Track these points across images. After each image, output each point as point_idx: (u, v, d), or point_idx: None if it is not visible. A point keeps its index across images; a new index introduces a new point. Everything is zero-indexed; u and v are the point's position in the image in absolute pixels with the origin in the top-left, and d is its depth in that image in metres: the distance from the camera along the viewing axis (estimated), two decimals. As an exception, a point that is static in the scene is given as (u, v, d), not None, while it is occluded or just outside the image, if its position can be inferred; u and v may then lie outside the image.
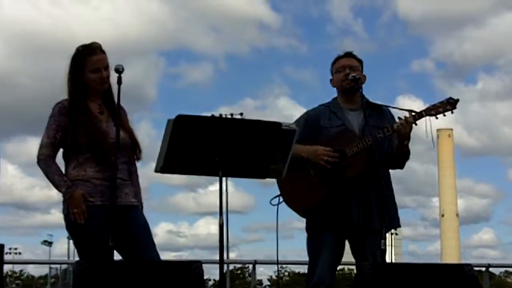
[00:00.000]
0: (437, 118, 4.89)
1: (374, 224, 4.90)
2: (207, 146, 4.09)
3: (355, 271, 4.35)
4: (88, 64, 4.68)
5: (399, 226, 5.15)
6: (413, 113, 4.90)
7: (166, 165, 4.09)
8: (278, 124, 4.24)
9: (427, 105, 4.96)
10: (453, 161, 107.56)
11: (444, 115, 4.89)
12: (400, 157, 5.15)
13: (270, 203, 5.15)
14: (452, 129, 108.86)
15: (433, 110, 4.89)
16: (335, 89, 5.33)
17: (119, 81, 4.54)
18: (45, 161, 4.62)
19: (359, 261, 4.99)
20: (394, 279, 4.09)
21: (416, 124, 4.90)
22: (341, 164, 4.98)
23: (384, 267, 4.27)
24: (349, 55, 5.30)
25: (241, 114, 53.95)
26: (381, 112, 5.24)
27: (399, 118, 4.96)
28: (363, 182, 4.96)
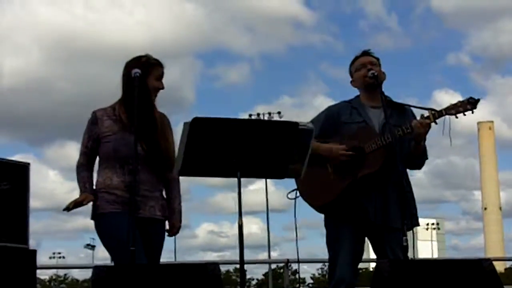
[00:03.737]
0: (457, 117, 4.86)
1: (392, 221, 4.90)
2: (224, 148, 4.10)
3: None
4: (154, 72, 4.83)
5: (418, 225, 5.13)
6: (432, 112, 4.89)
7: (184, 168, 4.11)
8: (295, 124, 4.24)
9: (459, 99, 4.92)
10: (495, 153, 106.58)
11: (465, 115, 4.85)
12: (417, 158, 5.13)
13: (287, 197, 5.16)
14: (493, 121, 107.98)
15: (453, 109, 4.86)
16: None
17: (137, 84, 4.63)
18: (77, 169, 4.87)
19: (379, 258, 4.99)
20: (413, 276, 4.07)
21: (436, 123, 4.88)
22: (359, 161, 4.98)
23: (402, 264, 4.25)
24: (366, 53, 5.31)
25: (279, 113, 54.06)
26: (403, 112, 5.22)
27: (422, 116, 4.93)
28: (381, 180, 4.96)
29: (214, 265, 3.99)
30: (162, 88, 4.86)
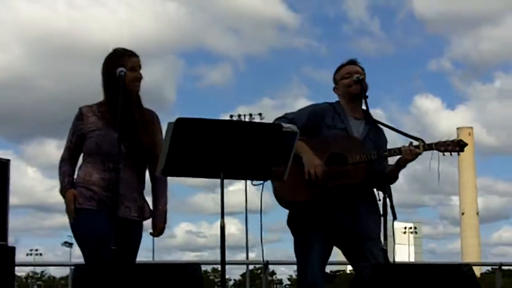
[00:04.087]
0: (444, 155, 4.93)
1: (368, 232, 4.98)
2: (208, 148, 4.10)
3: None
4: (127, 63, 4.76)
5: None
6: (423, 143, 4.91)
7: (167, 169, 4.12)
8: (279, 126, 4.25)
9: (437, 140, 4.98)
10: (473, 159, 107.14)
11: (451, 155, 4.95)
12: (389, 180, 5.03)
13: (252, 184, 4.96)
14: (472, 128, 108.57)
15: (443, 147, 4.92)
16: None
17: (122, 84, 4.64)
18: (60, 163, 4.86)
19: (354, 264, 4.99)
20: (393, 280, 4.10)
21: (421, 154, 4.92)
22: (339, 169, 4.97)
23: (383, 268, 4.28)
24: (353, 62, 5.29)
25: (260, 114, 54.04)
26: (378, 129, 5.24)
27: (410, 143, 4.92)
28: (356, 192, 4.97)
29: (196, 265, 4.00)
30: (140, 77, 4.81)
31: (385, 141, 5.22)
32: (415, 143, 4.93)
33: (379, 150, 4.90)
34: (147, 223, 4.92)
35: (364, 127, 5.08)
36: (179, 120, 4.00)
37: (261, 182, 4.96)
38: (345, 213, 4.97)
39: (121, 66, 4.70)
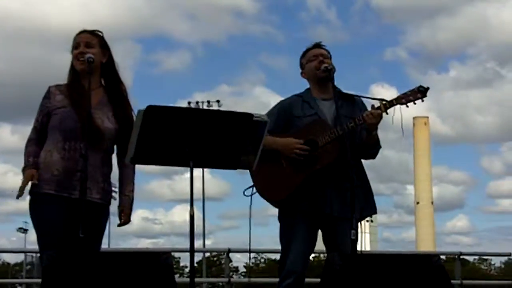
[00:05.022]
0: (407, 106, 4.91)
1: (346, 212, 4.92)
2: (177, 137, 4.09)
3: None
4: (74, 42, 4.77)
5: (375, 213, 5.20)
6: (383, 102, 4.93)
7: (136, 156, 4.09)
8: (249, 115, 4.24)
9: (398, 94, 4.98)
10: (429, 149, 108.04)
11: (415, 103, 4.91)
12: (370, 147, 5.18)
13: (244, 194, 5.17)
14: (428, 117, 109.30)
15: (404, 99, 4.91)
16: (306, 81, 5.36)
17: (90, 71, 4.62)
18: (26, 143, 4.78)
19: (329, 250, 5.03)
20: (363, 269, 4.13)
21: (387, 113, 4.93)
22: (314, 154, 5.00)
23: (353, 258, 4.30)
24: (318, 45, 5.34)
25: (218, 101, 53.97)
26: (353, 102, 5.26)
27: (372, 106, 4.97)
28: (335, 172, 4.99)
29: (167, 254, 3.99)
30: (83, 52, 4.71)
31: (361, 110, 5.20)
32: (377, 104, 4.96)
33: (344, 124, 4.91)
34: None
35: (335, 105, 5.07)
36: (149, 108, 3.98)
37: (252, 191, 5.04)
38: (330, 196, 5.01)
39: (74, 48, 4.74)
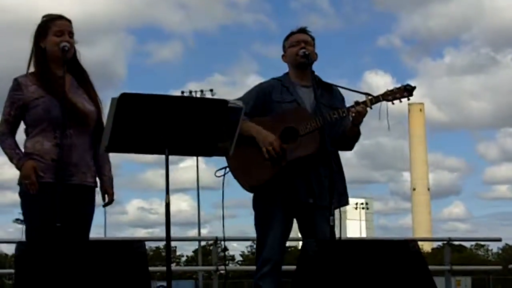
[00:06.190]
0: (393, 103, 4.90)
1: (323, 200, 4.89)
2: (152, 124, 4.06)
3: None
4: (53, 27, 4.65)
5: (347, 204, 5.17)
6: (370, 97, 4.90)
7: (111, 145, 4.05)
8: (224, 102, 4.22)
9: (391, 86, 4.97)
10: (425, 135, 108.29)
11: (401, 101, 4.90)
12: (351, 139, 5.15)
13: (215, 175, 5.11)
14: (423, 103, 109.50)
15: (390, 96, 4.89)
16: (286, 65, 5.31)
17: (65, 59, 4.57)
18: (0, 138, 4.63)
19: (306, 238, 5.00)
20: (339, 256, 4.11)
21: (371, 108, 4.90)
22: (294, 142, 4.95)
23: (329, 244, 4.28)
24: (303, 30, 5.27)
25: (211, 90, 53.97)
26: (331, 92, 5.23)
27: (356, 101, 4.92)
28: (313, 161, 4.95)
29: (140, 242, 3.97)
30: (66, 41, 4.62)
31: (340, 100, 5.20)
32: (363, 98, 4.93)
33: (327, 114, 4.87)
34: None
35: (313, 93, 5.03)
36: (123, 95, 3.95)
37: (225, 171, 5.00)
38: (307, 184, 4.97)
39: (47, 33, 4.63)
